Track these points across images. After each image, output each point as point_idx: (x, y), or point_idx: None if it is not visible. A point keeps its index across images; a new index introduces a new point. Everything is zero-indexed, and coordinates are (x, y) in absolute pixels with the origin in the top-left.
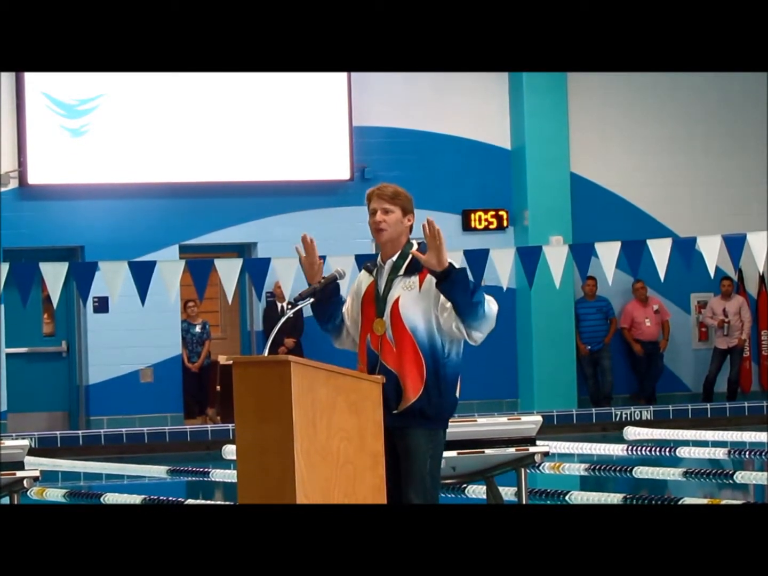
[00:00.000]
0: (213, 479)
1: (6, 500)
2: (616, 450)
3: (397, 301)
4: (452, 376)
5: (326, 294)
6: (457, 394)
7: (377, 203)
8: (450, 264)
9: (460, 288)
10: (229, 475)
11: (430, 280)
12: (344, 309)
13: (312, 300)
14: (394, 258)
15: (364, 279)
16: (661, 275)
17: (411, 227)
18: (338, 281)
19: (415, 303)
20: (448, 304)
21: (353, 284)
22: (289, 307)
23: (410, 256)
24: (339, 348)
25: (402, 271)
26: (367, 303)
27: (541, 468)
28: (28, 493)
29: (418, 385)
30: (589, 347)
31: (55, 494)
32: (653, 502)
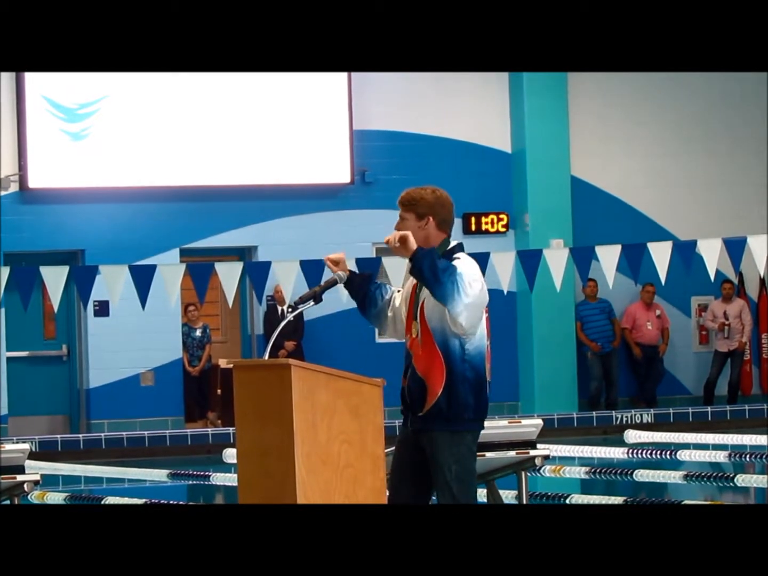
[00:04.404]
0: (214, 483)
1: (6, 504)
2: (616, 453)
3: (423, 303)
4: (471, 374)
5: (356, 286)
6: (487, 396)
7: (399, 211)
8: (417, 249)
9: (424, 267)
10: (229, 479)
11: None
12: (393, 301)
13: (312, 303)
14: None
15: (412, 279)
16: (662, 278)
17: (439, 225)
18: (339, 284)
19: (435, 304)
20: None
21: (408, 282)
22: (290, 310)
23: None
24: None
25: None
26: (410, 304)
27: (541, 471)
28: (29, 496)
29: (438, 387)
30: (600, 343)
31: (55, 498)
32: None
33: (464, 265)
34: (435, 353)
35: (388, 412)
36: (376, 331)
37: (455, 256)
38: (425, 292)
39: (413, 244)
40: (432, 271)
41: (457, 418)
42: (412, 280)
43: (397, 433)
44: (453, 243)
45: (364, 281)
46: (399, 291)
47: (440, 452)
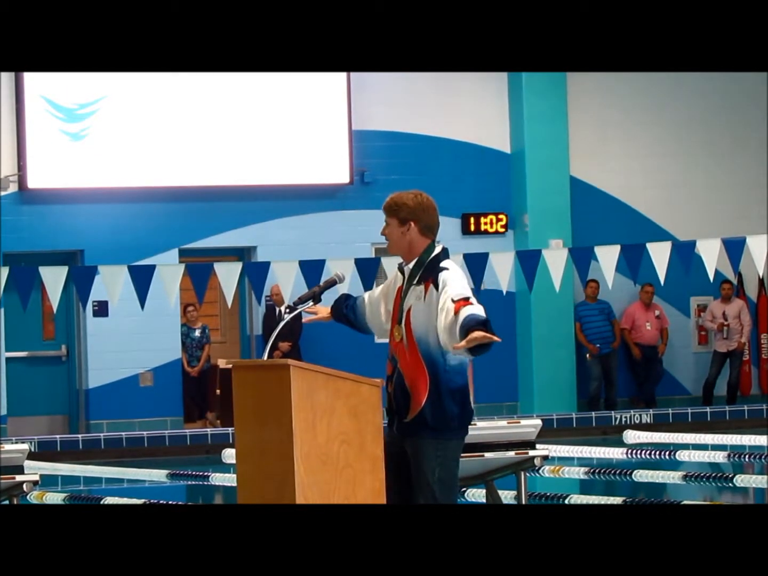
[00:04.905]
0: (213, 483)
1: (6, 504)
2: (615, 453)
3: (409, 310)
4: (455, 385)
5: (338, 313)
6: (471, 405)
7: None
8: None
9: (485, 350)
10: (228, 479)
11: (432, 290)
12: (367, 303)
13: (311, 304)
14: (411, 265)
15: (398, 280)
16: (661, 279)
17: (421, 231)
18: (338, 285)
19: (421, 313)
20: (443, 316)
21: (390, 278)
22: (287, 311)
23: (424, 265)
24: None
25: (416, 280)
26: (395, 307)
27: (540, 471)
28: (28, 497)
29: (423, 395)
30: (599, 345)
31: (54, 498)
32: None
33: (458, 281)
34: (419, 361)
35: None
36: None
37: (442, 265)
38: (411, 299)
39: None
40: (484, 352)
41: (442, 427)
42: (397, 282)
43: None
44: (438, 248)
45: (341, 304)
46: (375, 289)
47: (424, 457)
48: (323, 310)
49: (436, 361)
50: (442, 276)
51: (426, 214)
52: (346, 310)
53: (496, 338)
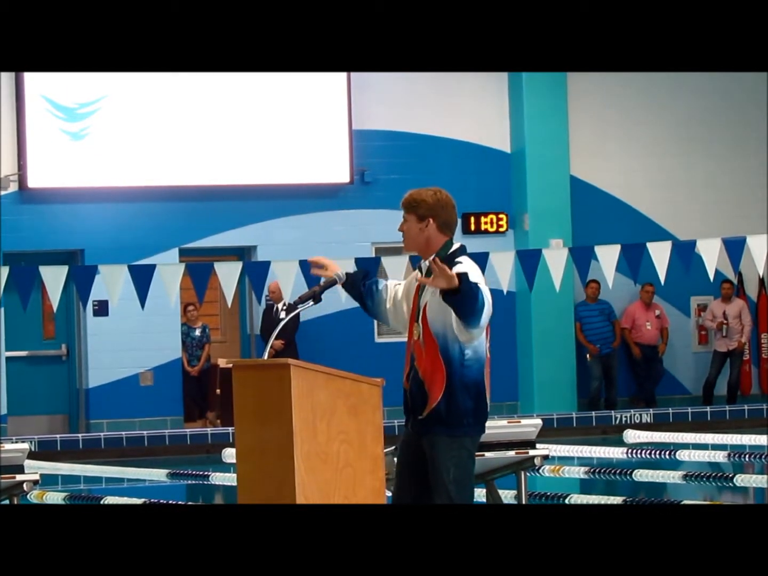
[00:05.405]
0: (213, 482)
1: (6, 504)
2: (616, 453)
3: (425, 306)
4: (469, 379)
5: (352, 286)
6: (487, 402)
7: (402, 212)
8: (460, 279)
9: (466, 300)
10: (229, 479)
11: None
12: (390, 293)
13: (312, 303)
14: (427, 262)
15: (415, 278)
16: (661, 278)
17: (440, 228)
18: (338, 284)
19: (438, 308)
20: None
21: (410, 276)
22: (285, 308)
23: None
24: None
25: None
26: (413, 304)
27: (541, 471)
28: (28, 496)
29: (438, 391)
30: (599, 345)
31: (54, 497)
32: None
33: (472, 273)
34: (437, 358)
35: (388, 411)
36: (376, 329)
37: (457, 260)
38: (427, 296)
39: (455, 281)
40: (467, 305)
41: (457, 422)
42: (416, 280)
43: (397, 433)
44: (455, 246)
45: (358, 279)
46: (399, 284)
47: (440, 455)
48: (334, 267)
49: (453, 356)
50: (455, 269)
51: (445, 211)
52: (363, 289)
53: (449, 270)
